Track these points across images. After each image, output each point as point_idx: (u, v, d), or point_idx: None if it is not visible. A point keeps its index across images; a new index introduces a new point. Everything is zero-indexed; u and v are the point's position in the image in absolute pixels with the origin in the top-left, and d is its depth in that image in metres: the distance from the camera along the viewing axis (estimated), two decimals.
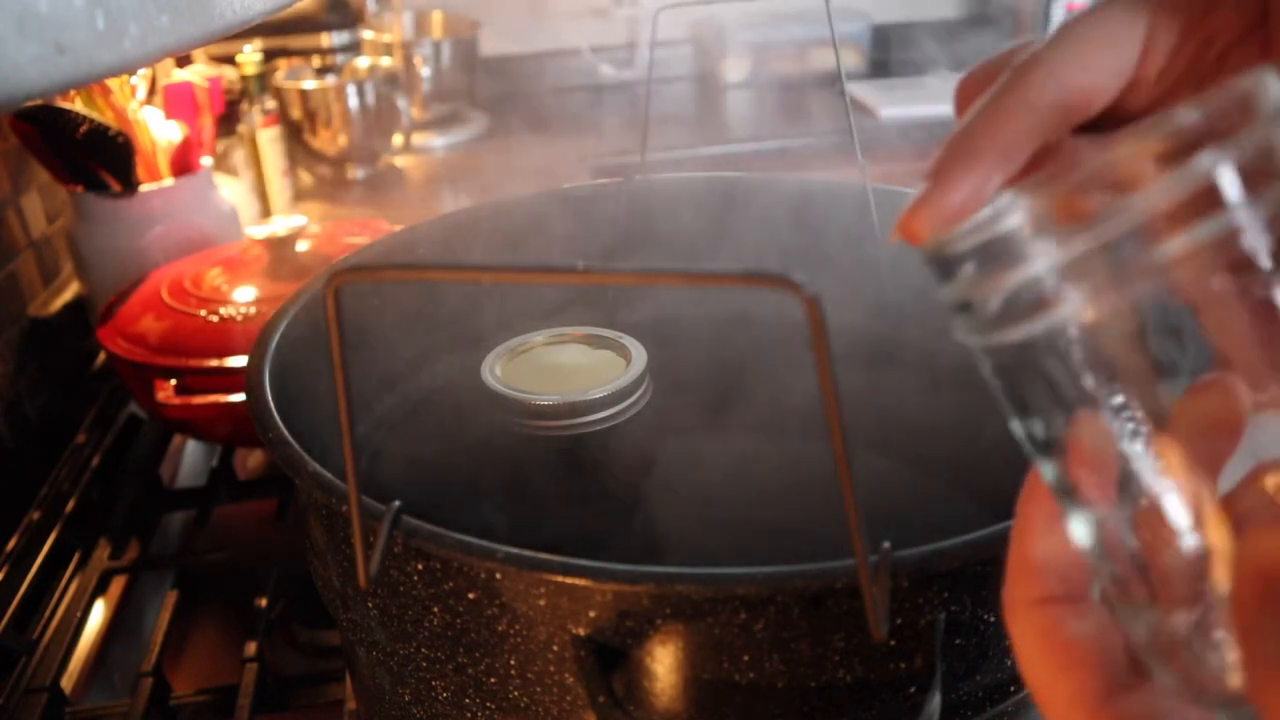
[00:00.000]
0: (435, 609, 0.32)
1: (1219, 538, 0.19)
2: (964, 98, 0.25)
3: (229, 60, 1.31)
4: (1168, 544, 0.20)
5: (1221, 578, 0.19)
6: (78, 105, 0.81)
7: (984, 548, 0.29)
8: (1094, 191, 0.18)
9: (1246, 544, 0.17)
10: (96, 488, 0.74)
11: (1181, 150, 0.18)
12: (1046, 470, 0.21)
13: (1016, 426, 0.21)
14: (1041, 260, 0.19)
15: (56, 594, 0.64)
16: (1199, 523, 0.19)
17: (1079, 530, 0.21)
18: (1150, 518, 0.20)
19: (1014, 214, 0.20)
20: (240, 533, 0.73)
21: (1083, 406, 0.20)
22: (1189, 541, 0.19)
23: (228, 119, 1.23)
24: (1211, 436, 0.20)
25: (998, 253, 0.19)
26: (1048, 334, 0.19)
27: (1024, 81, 0.22)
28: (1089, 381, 0.20)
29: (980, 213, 0.21)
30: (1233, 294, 0.18)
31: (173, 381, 0.66)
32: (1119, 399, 0.20)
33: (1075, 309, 0.19)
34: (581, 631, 0.30)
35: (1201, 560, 0.19)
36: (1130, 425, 0.20)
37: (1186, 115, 0.18)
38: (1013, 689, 0.34)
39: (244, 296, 0.71)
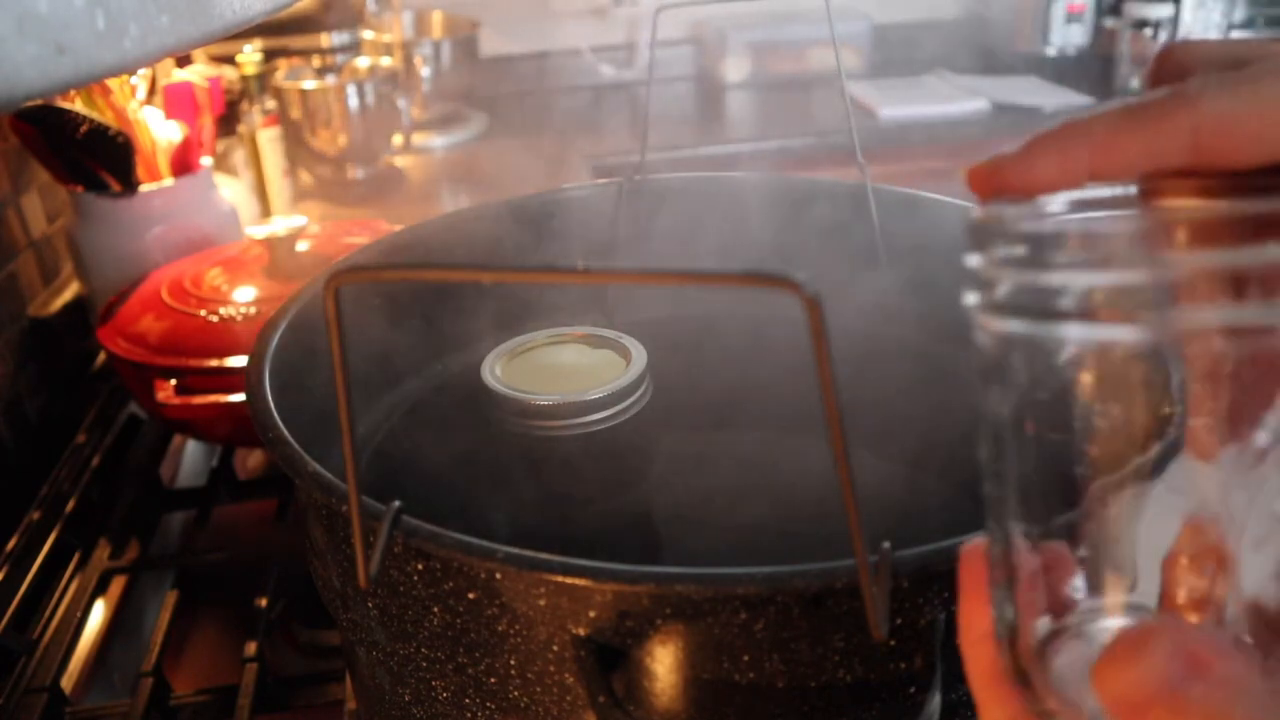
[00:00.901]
0: (435, 609, 0.32)
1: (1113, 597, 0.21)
2: (1158, 72, 0.23)
3: (229, 60, 1.31)
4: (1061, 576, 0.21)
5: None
6: (78, 105, 0.81)
7: None
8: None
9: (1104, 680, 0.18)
10: (96, 488, 0.74)
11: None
12: (988, 460, 0.22)
13: (983, 408, 0.22)
14: (1082, 274, 0.19)
15: (56, 594, 0.64)
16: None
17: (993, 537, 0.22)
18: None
19: (1069, 221, 0.20)
20: (240, 533, 0.73)
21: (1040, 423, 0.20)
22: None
23: (228, 119, 1.23)
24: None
25: (1042, 248, 0.20)
26: (1045, 343, 0.20)
27: (1175, 110, 0.20)
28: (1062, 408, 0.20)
29: (1045, 201, 0.22)
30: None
31: (173, 381, 0.66)
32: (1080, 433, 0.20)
33: (1094, 334, 0.19)
34: (581, 631, 0.30)
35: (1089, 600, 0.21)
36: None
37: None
38: None
39: (244, 296, 0.71)
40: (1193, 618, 0.21)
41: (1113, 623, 0.21)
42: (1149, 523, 0.21)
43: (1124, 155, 0.21)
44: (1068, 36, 1.86)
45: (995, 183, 0.22)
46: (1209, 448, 0.20)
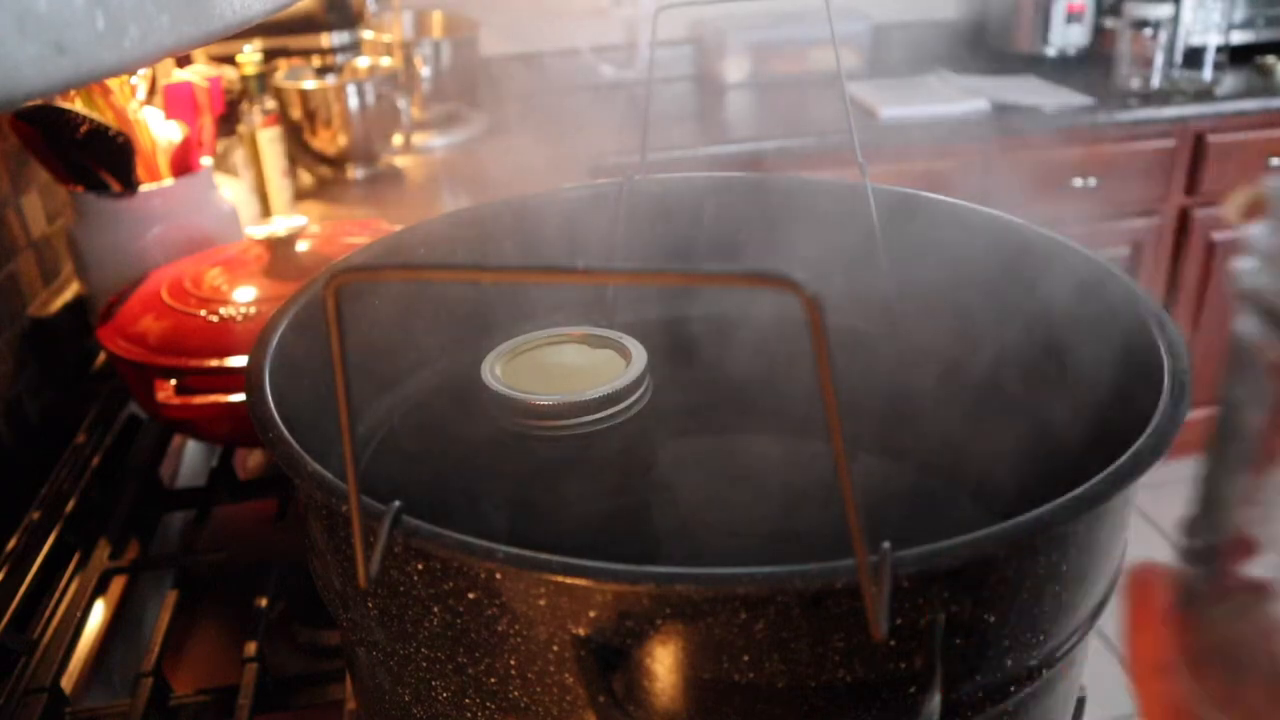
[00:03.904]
0: (435, 609, 0.32)
1: None
2: None
3: (229, 60, 1.31)
4: None
5: None
6: (78, 105, 0.81)
7: (984, 548, 0.29)
8: None
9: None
10: (96, 488, 0.74)
11: None
12: (1215, 444, 0.21)
13: (1224, 395, 0.21)
14: None
15: (56, 594, 0.64)
16: None
17: None
18: None
19: None
20: (240, 533, 0.73)
21: None
22: None
23: (228, 119, 1.23)
24: None
25: None
26: None
27: None
28: None
29: None
30: None
31: (173, 381, 0.66)
32: None
33: None
34: (581, 631, 0.30)
35: None
36: None
37: None
38: (1012, 689, 0.34)
39: (244, 296, 0.71)
40: None
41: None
42: None
43: None
44: (1068, 36, 1.86)
45: None
46: None
